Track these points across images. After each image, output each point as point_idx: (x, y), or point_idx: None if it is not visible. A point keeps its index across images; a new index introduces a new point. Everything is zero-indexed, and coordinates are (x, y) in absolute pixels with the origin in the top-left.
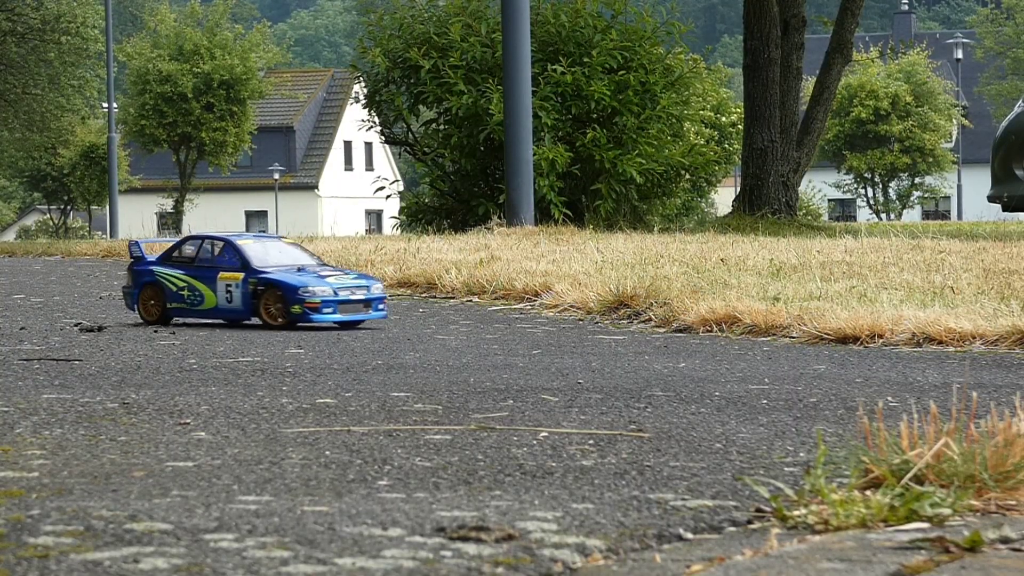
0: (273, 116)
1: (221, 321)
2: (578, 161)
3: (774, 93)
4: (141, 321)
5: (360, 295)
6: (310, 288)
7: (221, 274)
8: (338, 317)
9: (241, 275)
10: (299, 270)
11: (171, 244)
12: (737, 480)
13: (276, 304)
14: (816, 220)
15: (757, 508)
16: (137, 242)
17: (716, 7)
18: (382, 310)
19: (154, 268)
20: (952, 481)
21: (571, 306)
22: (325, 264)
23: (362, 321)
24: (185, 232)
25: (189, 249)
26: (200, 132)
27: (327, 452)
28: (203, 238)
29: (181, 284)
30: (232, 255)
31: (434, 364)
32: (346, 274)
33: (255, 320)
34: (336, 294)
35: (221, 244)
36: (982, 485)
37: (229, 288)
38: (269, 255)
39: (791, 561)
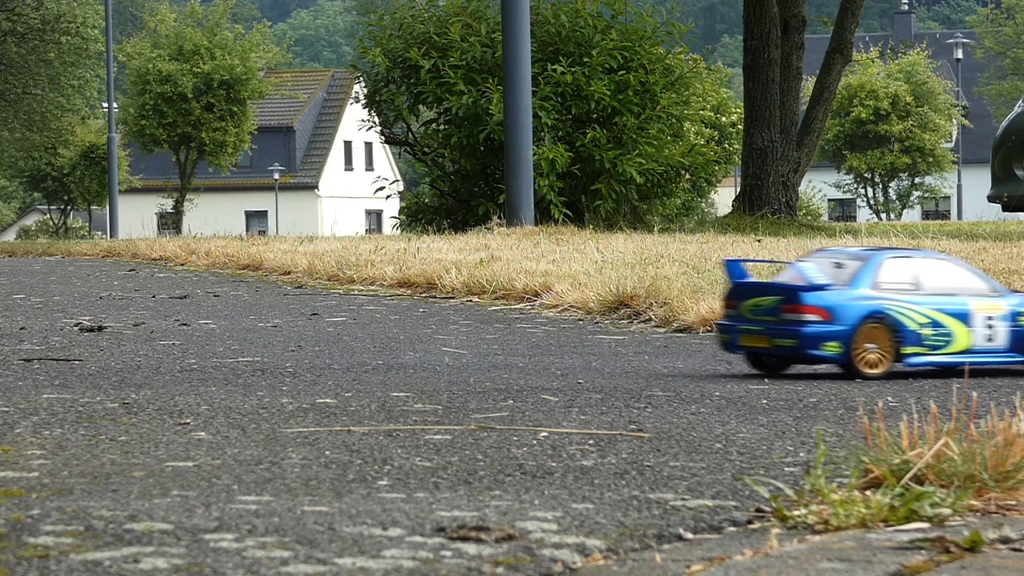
0: (273, 116)
1: (952, 368)
2: (578, 161)
3: (774, 93)
4: (752, 370)
5: None
6: None
7: (976, 303)
8: None
9: (1002, 303)
10: None
11: (865, 263)
12: (737, 480)
13: None
14: (816, 220)
15: (757, 508)
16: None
17: (716, 7)
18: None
19: (886, 300)
20: (952, 481)
21: (571, 306)
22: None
23: None
24: (186, 232)
25: (901, 270)
26: (200, 132)
27: (327, 452)
28: (908, 255)
29: (923, 321)
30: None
31: (434, 364)
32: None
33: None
34: None
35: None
36: (982, 485)
37: (990, 322)
38: None
39: (791, 561)
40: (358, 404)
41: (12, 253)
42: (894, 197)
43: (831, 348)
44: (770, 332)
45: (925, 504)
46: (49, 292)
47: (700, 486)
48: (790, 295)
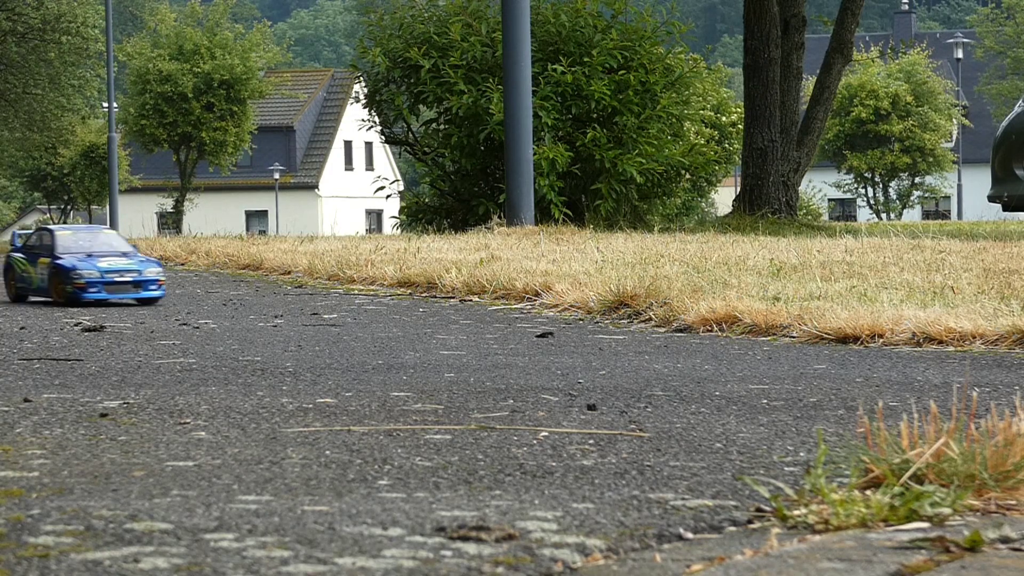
0: (273, 116)
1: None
2: (578, 161)
3: (774, 93)
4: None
5: (129, 278)
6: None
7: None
8: (105, 295)
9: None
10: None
11: None
12: (737, 480)
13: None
14: (816, 220)
15: (757, 508)
16: None
17: (716, 7)
18: (155, 290)
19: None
20: (952, 480)
21: (571, 306)
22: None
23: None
24: (186, 232)
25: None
26: (200, 132)
27: (327, 452)
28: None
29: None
30: None
31: (434, 364)
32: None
33: None
34: (103, 276)
35: None
36: (982, 484)
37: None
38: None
39: (791, 561)
40: (358, 404)
41: None
42: (894, 197)
43: None
44: None
45: (925, 504)
46: None
47: (700, 486)
48: None
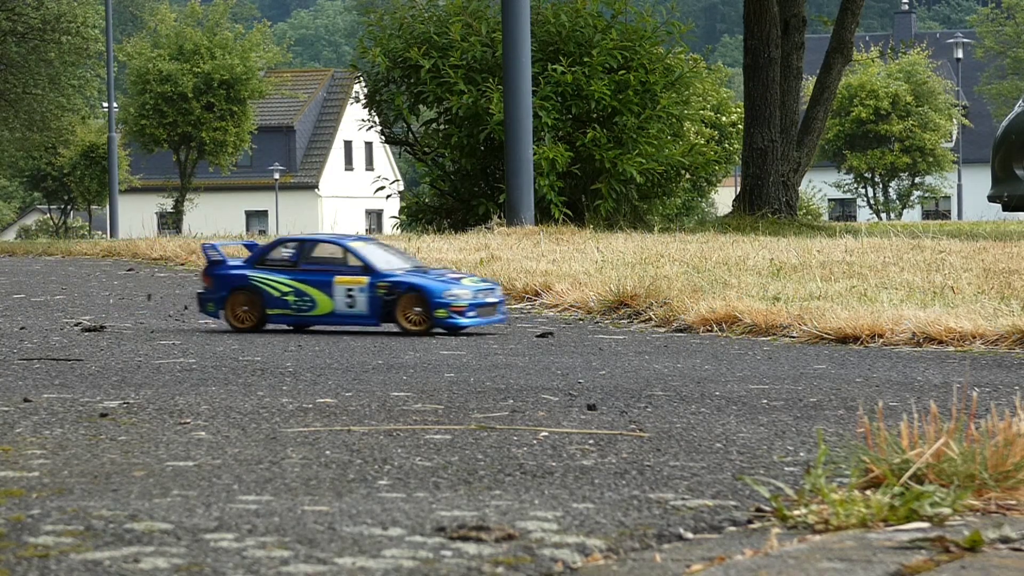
0: (273, 116)
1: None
2: (578, 161)
3: (774, 93)
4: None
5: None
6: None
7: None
8: (480, 320)
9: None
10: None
11: None
12: (737, 480)
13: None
14: (816, 220)
15: (757, 508)
16: None
17: (716, 7)
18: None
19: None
20: (952, 480)
21: (571, 306)
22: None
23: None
24: (186, 232)
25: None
26: (200, 132)
27: (327, 452)
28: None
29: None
30: None
31: (434, 364)
32: (469, 276)
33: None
34: (475, 296)
35: None
36: (982, 484)
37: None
38: None
39: (791, 561)
40: (358, 404)
41: (12, 253)
42: (894, 197)
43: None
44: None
45: (925, 503)
46: (49, 292)
47: (700, 486)
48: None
